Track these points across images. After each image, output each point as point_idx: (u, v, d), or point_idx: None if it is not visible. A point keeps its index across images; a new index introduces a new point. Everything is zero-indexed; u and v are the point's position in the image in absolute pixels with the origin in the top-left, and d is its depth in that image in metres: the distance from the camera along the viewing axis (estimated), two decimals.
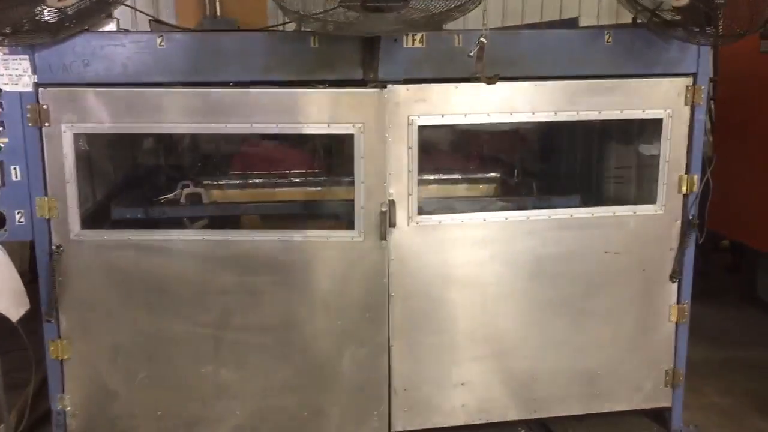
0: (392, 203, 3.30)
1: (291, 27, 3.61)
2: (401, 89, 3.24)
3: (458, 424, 3.63)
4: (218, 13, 4.39)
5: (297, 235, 3.31)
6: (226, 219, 3.67)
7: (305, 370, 3.42)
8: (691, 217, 3.55)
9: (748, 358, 4.68)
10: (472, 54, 3.01)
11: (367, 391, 3.46)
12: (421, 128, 3.30)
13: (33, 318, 3.37)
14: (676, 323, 3.67)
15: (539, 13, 6.27)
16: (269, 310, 3.35)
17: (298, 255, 3.32)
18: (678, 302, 3.65)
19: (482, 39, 2.97)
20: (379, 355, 3.42)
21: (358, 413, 3.48)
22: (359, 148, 3.24)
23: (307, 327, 3.39)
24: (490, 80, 3.07)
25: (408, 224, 3.35)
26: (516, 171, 4.04)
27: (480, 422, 3.65)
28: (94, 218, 3.44)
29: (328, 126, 3.25)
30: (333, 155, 3.95)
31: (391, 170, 3.29)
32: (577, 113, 3.41)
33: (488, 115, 3.36)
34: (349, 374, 3.44)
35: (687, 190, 3.53)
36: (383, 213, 3.27)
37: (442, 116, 3.33)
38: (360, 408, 3.48)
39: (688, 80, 3.44)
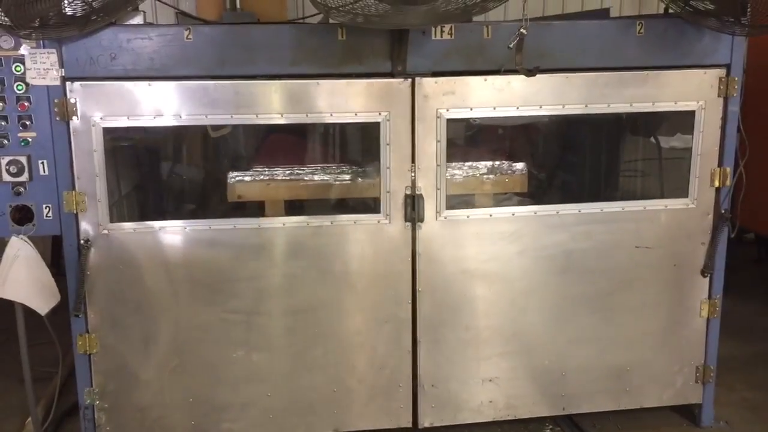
0: (420, 197, 3.29)
1: (311, 21, 3.58)
2: (429, 82, 3.23)
3: (486, 421, 3.62)
4: (238, 6, 4.36)
5: (325, 220, 3.34)
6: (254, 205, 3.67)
7: (334, 350, 3.44)
8: (723, 211, 3.50)
9: None
10: (511, 45, 2.97)
11: (393, 369, 3.48)
12: (450, 121, 3.29)
13: (59, 311, 3.37)
14: (707, 318, 3.62)
15: (561, 5, 6.18)
16: (299, 294, 3.37)
17: (326, 239, 3.34)
18: (709, 297, 3.60)
19: (522, 30, 2.93)
20: (403, 332, 3.44)
21: (385, 389, 3.50)
22: (385, 135, 3.27)
23: (335, 309, 3.41)
24: (530, 72, 3.03)
25: (436, 218, 3.35)
26: (543, 164, 4.00)
27: (508, 419, 3.64)
28: (122, 211, 3.44)
29: (356, 115, 3.26)
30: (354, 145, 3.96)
31: (419, 164, 3.28)
32: (608, 106, 3.37)
33: (517, 108, 3.34)
34: (375, 351, 3.46)
35: (719, 183, 3.48)
36: (407, 196, 3.31)
37: (471, 109, 3.31)
38: (387, 384, 3.50)
39: (722, 71, 3.39)
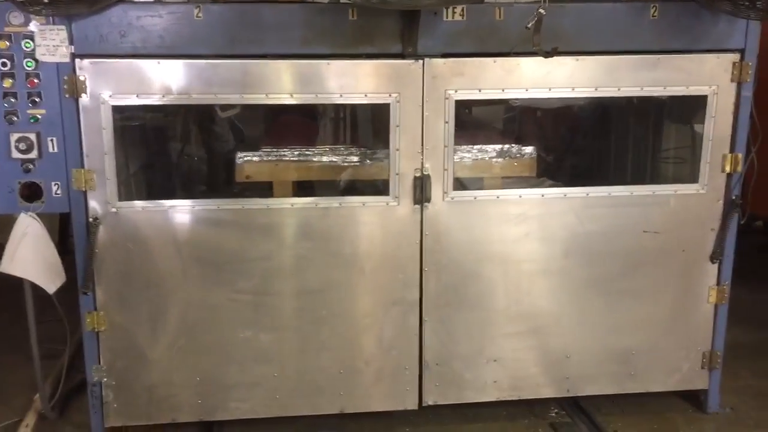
0: (427, 178, 3.28)
1: (322, 1, 3.56)
2: (438, 62, 3.22)
3: (490, 400, 3.63)
4: None
5: (334, 201, 3.34)
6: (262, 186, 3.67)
7: (341, 331, 3.46)
8: (734, 197, 3.48)
9: None
10: (529, 26, 2.95)
11: (400, 351, 3.50)
12: (458, 102, 3.27)
13: (67, 289, 3.38)
14: (715, 305, 3.62)
15: None
16: (307, 275, 3.38)
17: (335, 221, 3.34)
18: (718, 284, 3.60)
19: (540, 11, 2.91)
20: (410, 313, 3.46)
21: (391, 372, 3.52)
22: (395, 117, 3.25)
23: (343, 290, 3.42)
24: (549, 54, 3.00)
25: (443, 199, 3.34)
26: (551, 148, 3.99)
27: (512, 399, 3.65)
28: (130, 189, 3.44)
29: (366, 96, 3.25)
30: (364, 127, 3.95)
31: (427, 145, 3.28)
32: (619, 89, 3.36)
33: (526, 90, 3.32)
34: (382, 332, 3.47)
35: (731, 169, 3.46)
36: (417, 178, 3.30)
37: (479, 91, 3.30)
38: (393, 367, 3.52)
39: (735, 56, 3.36)
